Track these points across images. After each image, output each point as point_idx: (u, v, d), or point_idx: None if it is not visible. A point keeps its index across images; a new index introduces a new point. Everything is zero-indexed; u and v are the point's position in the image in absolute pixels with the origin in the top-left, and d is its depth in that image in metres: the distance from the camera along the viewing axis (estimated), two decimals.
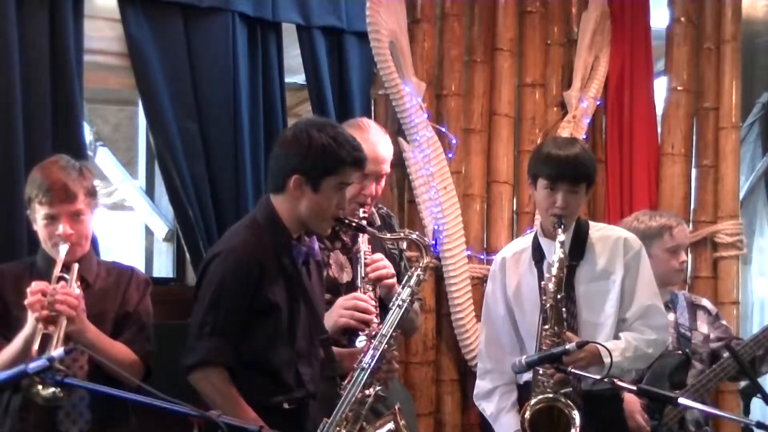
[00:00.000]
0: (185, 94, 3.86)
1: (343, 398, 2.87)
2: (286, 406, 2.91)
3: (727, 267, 4.67)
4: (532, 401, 3.07)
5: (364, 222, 3.25)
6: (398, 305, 3.02)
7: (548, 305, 3.12)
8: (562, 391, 3.06)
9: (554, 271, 3.13)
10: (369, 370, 2.90)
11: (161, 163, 3.92)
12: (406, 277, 3.09)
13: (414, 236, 3.16)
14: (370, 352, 2.93)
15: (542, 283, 3.20)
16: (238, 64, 3.93)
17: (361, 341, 3.18)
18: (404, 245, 3.65)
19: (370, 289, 3.26)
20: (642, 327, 3.27)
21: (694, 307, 3.99)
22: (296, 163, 2.88)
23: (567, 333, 3.13)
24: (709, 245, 4.66)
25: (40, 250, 3.04)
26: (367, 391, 2.91)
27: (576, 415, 3.00)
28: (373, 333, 3.06)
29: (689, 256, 4.54)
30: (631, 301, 3.29)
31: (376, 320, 3.17)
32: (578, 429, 2.98)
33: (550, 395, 3.06)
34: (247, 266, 2.87)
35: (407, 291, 3.04)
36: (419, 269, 3.07)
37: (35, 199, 2.94)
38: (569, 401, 3.04)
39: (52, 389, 2.50)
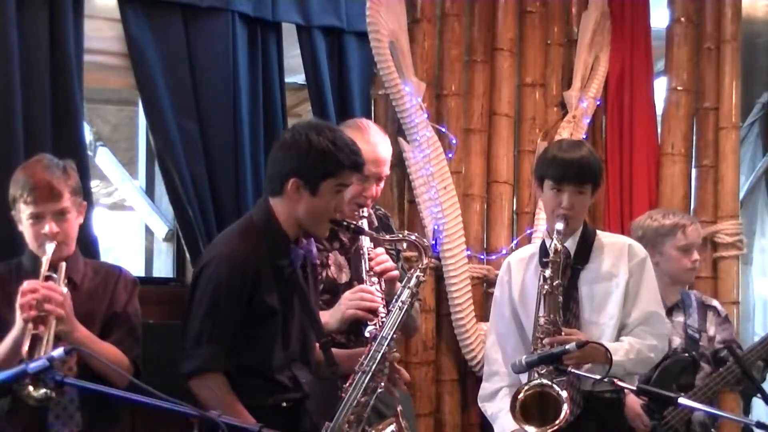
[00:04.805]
0: (185, 94, 3.85)
1: (344, 401, 2.86)
2: (284, 404, 2.91)
3: (727, 267, 4.66)
4: (525, 387, 3.03)
5: (363, 223, 3.24)
6: (398, 307, 3.00)
7: (544, 292, 3.13)
8: (556, 380, 3.03)
9: (551, 256, 3.13)
10: (370, 373, 2.89)
11: (161, 163, 3.92)
12: (406, 278, 3.08)
13: (413, 237, 3.16)
14: (371, 354, 2.92)
15: (540, 270, 3.20)
16: (238, 64, 3.93)
17: (370, 331, 3.17)
18: (404, 246, 3.65)
19: (375, 282, 3.26)
20: (643, 333, 3.26)
21: (704, 308, 3.97)
22: (294, 166, 2.86)
23: (564, 328, 3.12)
24: (709, 245, 4.65)
25: (26, 251, 3.03)
26: (368, 394, 2.89)
27: (563, 395, 2.95)
28: (381, 322, 3.05)
29: None
30: (634, 306, 3.28)
31: (383, 310, 3.16)
32: (568, 405, 2.94)
33: (544, 381, 3.03)
34: (241, 272, 2.85)
35: (407, 292, 3.02)
36: (418, 270, 3.06)
37: (20, 199, 2.92)
38: (558, 387, 2.98)
39: (43, 390, 2.47)
